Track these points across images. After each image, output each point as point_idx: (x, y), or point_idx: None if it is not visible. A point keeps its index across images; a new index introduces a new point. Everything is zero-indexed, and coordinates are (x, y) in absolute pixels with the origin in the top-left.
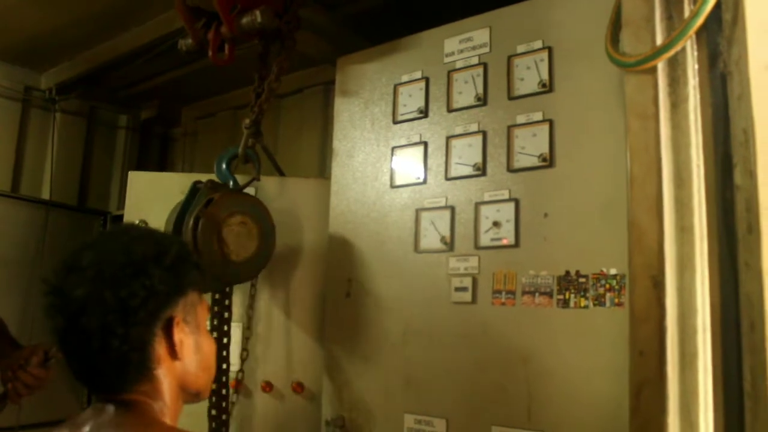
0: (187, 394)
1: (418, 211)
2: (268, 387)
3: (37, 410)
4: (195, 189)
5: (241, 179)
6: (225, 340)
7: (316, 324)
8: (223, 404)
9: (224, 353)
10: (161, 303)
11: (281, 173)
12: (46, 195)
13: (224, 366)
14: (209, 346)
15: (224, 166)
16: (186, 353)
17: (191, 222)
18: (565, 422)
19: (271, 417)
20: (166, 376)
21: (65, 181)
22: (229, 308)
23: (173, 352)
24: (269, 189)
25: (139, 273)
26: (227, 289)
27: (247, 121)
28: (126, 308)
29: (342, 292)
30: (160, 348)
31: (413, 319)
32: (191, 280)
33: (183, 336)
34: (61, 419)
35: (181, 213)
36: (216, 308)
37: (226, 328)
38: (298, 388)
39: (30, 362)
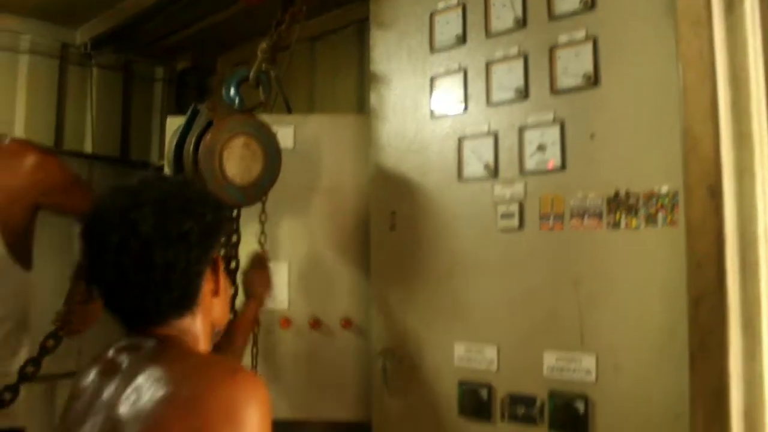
0: (212, 332)
1: (460, 140)
2: (316, 324)
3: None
4: (195, 111)
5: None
6: (233, 265)
7: (362, 260)
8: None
9: (233, 280)
10: (212, 242)
11: (289, 110)
12: (88, 149)
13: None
14: (230, 287)
15: (232, 88)
16: (221, 291)
17: (192, 146)
18: (619, 344)
19: (321, 353)
20: (204, 312)
21: (106, 134)
22: (237, 231)
23: (216, 290)
24: (309, 128)
25: (195, 212)
26: (233, 213)
27: (264, 45)
28: (188, 244)
29: (386, 226)
30: (207, 285)
31: (460, 248)
32: (226, 228)
33: (222, 275)
34: None
35: (182, 137)
36: None
37: (233, 251)
38: (347, 323)
39: (73, 298)
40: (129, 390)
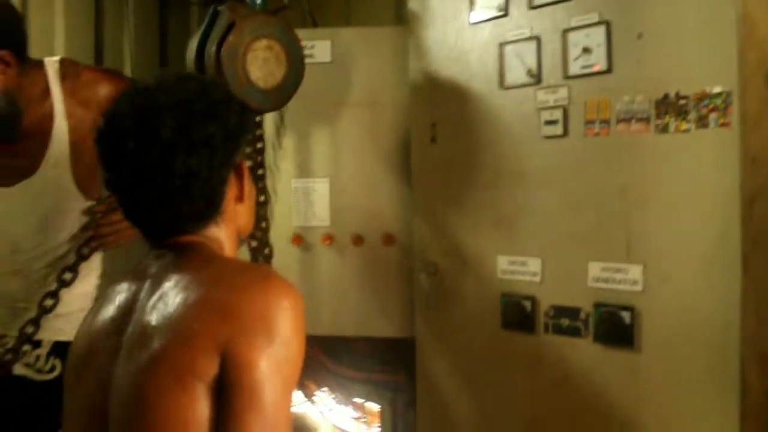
0: (238, 239)
1: (501, 46)
2: (358, 241)
3: None
4: (215, 12)
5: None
6: (260, 171)
7: (403, 174)
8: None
9: (260, 184)
10: (235, 146)
11: (315, 23)
12: (128, 72)
13: (262, 198)
14: (255, 191)
15: None
16: (246, 198)
17: (213, 49)
18: (668, 252)
19: (363, 270)
20: (229, 219)
21: (144, 57)
22: (261, 138)
23: (241, 196)
24: (346, 41)
25: (217, 115)
26: (258, 119)
27: None
28: (211, 148)
29: (427, 138)
30: (231, 191)
31: (502, 158)
32: (250, 130)
33: (246, 181)
34: None
35: (202, 39)
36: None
37: (259, 159)
38: (389, 239)
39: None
40: (155, 297)
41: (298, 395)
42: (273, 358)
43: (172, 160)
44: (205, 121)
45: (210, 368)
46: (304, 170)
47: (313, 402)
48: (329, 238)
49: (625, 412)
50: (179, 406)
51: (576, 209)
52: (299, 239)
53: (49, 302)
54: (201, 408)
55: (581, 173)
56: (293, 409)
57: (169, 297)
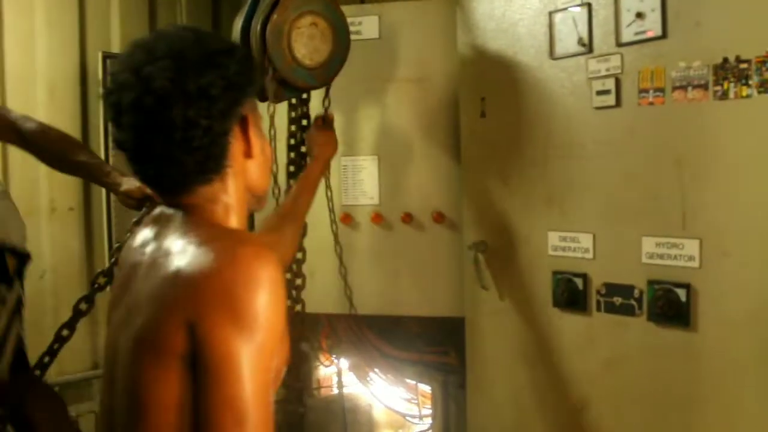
0: (251, 197)
1: (551, 14)
2: (407, 218)
3: None
4: None
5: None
6: (303, 149)
7: (453, 151)
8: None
9: (302, 163)
10: (237, 97)
11: None
12: None
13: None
14: (270, 151)
15: None
16: (256, 153)
17: (258, 27)
18: (727, 226)
19: (413, 248)
20: (236, 175)
21: None
22: (307, 116)
23: (248, 151)
24: (394, 16)
25: (216, 64)
26: (304, 96)
27: None
28: (209, 98)
29: (476, 113)
30: (236, 145)
31: (552, 132)
32: (256, 81)
33: (254, 135)
34: None
35: (247, 18)
36: (293, 114)
37: (300, 135)
38: (438, 217)
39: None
40: (148, 265)
41: (350, 377)
42: (240, 337)
43: (168, 112)
44: (201, 70)
45: (182, 344)
46: (352, 148)
47: (365, 383)
48: (378, 217)
49: (680, 392)
50: (160, 384)
51: (629, 182)
52: (348, 218)
53: (65, 332)
54: (181, 386)
55: (635, 145)
56: (347, 390)
57: (156, 267)
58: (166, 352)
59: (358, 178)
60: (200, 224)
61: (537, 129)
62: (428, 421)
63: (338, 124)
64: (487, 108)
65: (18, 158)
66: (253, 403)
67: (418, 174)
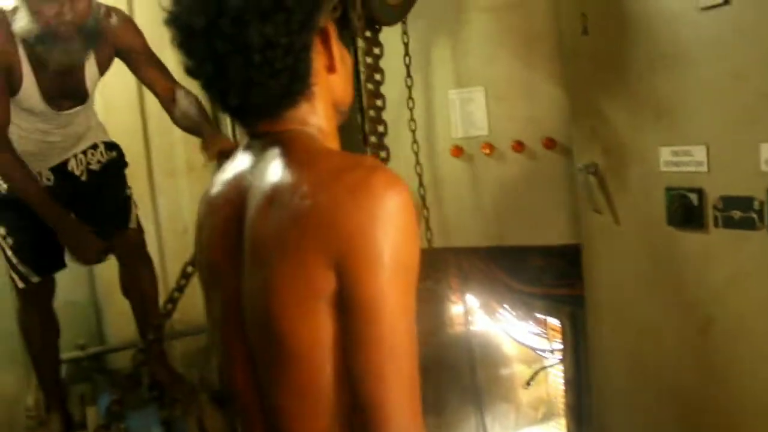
0: (337, 112)
1: None
2: (519, 147)
3: None
4: None
5: None
6: (378, 76)
7: (557, 74)
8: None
9: (378, 90)
10: (314, 6)
11: None
12: None
13: (379, 103)
14: (351, 60)
15: None
16: (339, 65)
17: None
18: None
19: (525, 176)
20: (323, 94)
21: None
22: (380, 44)
23: (331, 65)
24: None
25: None
26: (377, 27)
27: None
28: (287, 11)
29: (578, 30)
30: (319, 60)
31: (657, 40)
32: None
33: (336, 45)
34: None
35: None
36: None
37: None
38: (549, 143)
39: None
40: (260, 208)
41: (480, 314)
42: (386, 270)
43: (245, 32)
44: None
45: (327, 285)
46: (458, 82)
47: (494, 319)
48: (489, 147)
49: None
50: (307, 327)
51: (743, 85)
52: (459, 150)
53: (169, 306)
54: (326, 327)
55: (747, 44)
56: (477, 327)
57: (274, 209)
58: (312, 295)
59: (467, 110)
60: (309, 152)
61: (640, 39)
62: (559, 355)
63: (439, 58)
64: (589, 24)
65: (155, 125)
66: (404, 337)
67: (526, 101)
